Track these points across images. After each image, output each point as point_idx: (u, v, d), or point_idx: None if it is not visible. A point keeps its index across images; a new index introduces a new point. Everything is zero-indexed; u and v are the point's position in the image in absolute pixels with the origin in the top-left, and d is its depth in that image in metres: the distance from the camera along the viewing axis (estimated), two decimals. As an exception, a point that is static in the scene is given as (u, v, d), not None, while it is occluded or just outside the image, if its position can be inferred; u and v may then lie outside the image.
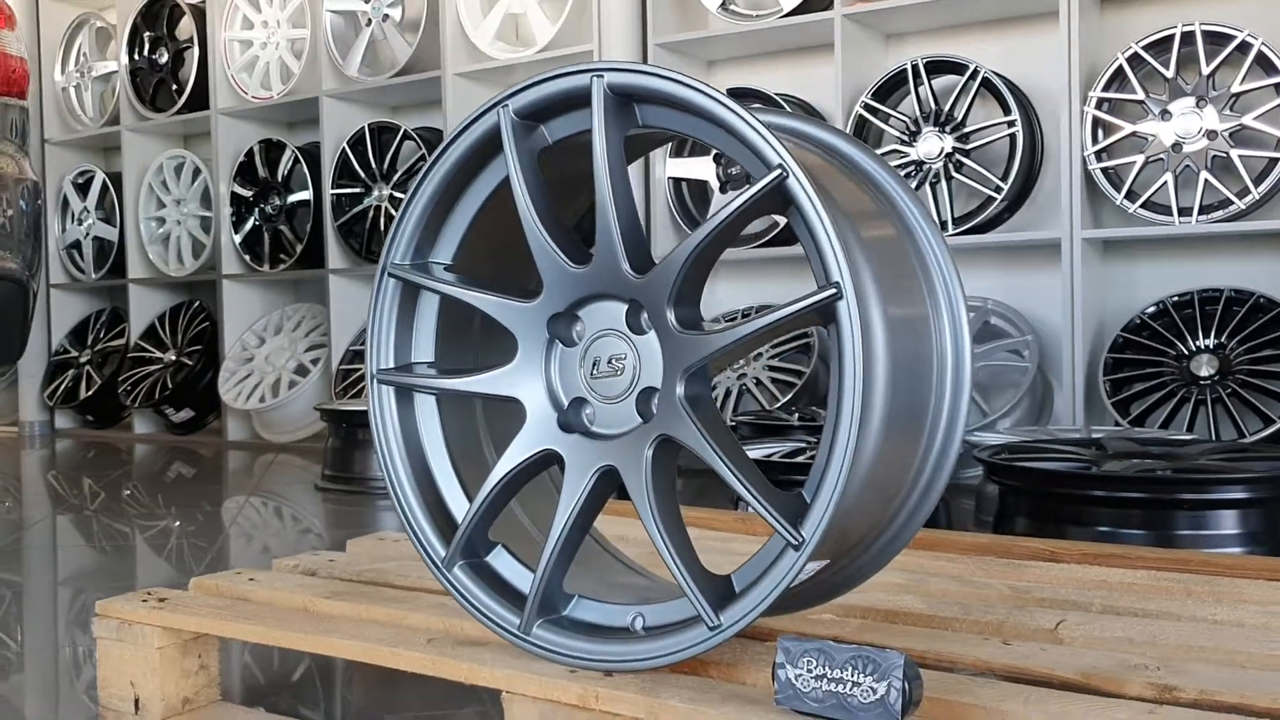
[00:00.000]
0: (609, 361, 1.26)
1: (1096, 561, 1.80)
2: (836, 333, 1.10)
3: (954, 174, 3.85)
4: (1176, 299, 3.63)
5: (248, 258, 5.54)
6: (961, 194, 3.89)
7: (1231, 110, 3.47)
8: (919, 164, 3.89)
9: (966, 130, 3.85)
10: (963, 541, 1.95)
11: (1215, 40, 3.46)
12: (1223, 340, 3.50)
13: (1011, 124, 3.74)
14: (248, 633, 1.47)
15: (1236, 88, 3.44)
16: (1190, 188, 3.51)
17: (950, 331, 1.30)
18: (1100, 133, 3.63)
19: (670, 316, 1.20)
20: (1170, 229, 3.52)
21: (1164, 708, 1.11)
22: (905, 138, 3.93)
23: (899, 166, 3.92)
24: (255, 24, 5.49)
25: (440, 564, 1.34)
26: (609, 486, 1.26)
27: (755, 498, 1.13)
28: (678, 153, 4.32)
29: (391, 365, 1.40)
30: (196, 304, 5.86)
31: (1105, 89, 3.61)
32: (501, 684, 1.24)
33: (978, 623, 1.44)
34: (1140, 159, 3.57)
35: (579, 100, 1.26)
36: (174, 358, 5.76)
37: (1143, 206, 3.56)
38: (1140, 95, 3.57)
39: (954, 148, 3.85)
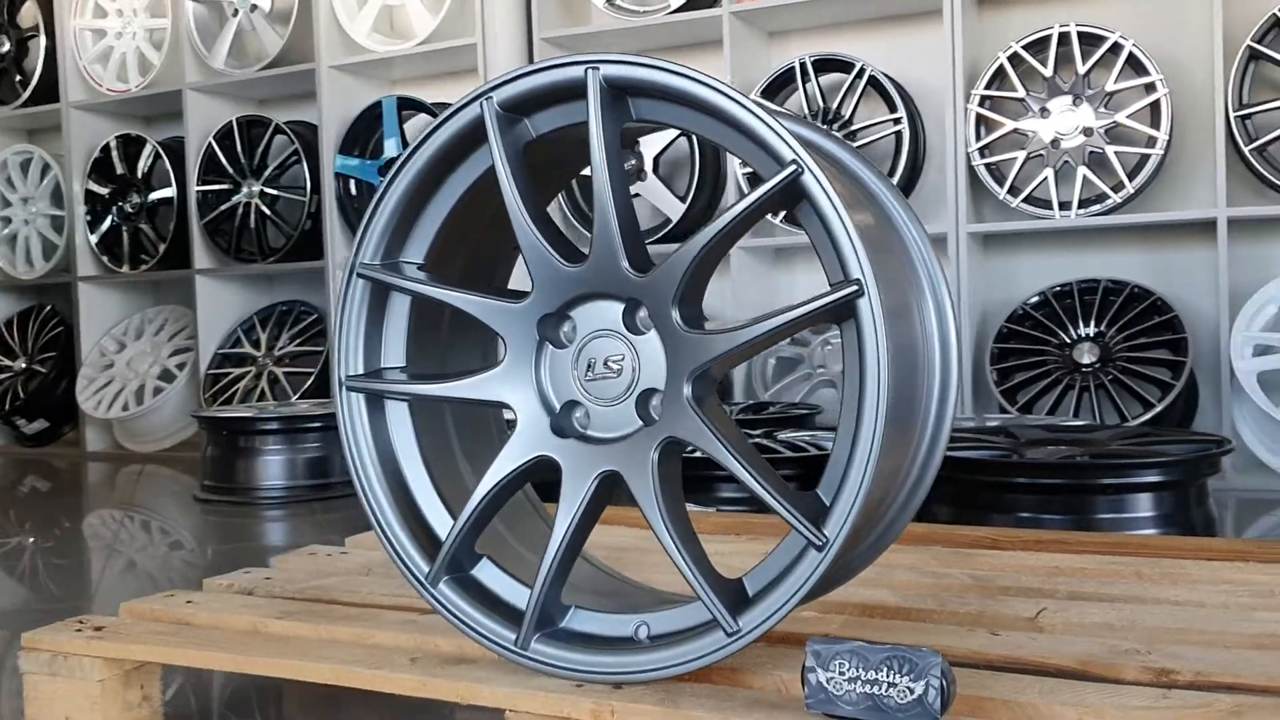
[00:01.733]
0: (606, 363, 1.22)
1: (1039, 548, 1.84)
2: (856, 329, 1.09)
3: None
4: (1057, 289, 3.76)
5: (105, 259, 5.25)
6: (850, 189, 3.95)
7: (1106, 108, 3.62)
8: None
9: (854, 128, 3.91)
10: (905, 532, 1.97)
11: (1090, 41, 3.60)
12: (1102, 329, 3.65)
13: (897, 121, 3.82)
14: (207, 660, 1.38)
15: (1110, 87, 3.59)
16: (1069, 182, 3.64)
17: (937, 326, 1.30)
18: (983, 130, 3.74)
19: (675, 316, 1.17)
20: (1051, 222, 3.65)
21: (1174, 691, 1.13)
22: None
23: (789, 162, 3.97)
24: (109, 12, 5.21)
25: (424, 581, 1.27)
26: (608, 492, 1.22)
27: (776, 498, 1.11)
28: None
29: (361, 371, 1.33)
30: (48, 308, 5.53)
31: (988, 87, 3.72)
32: (503, 703, 1.19)
33: (956, 614, 1.45)
34: (1021, 155, 3.69)
35: (567, 93, 1.21)
36: (24, 365, 5.42)
37: (1024, 201, 3.68)
38: (1021, 93, 3.69)
39: (847, 144, 3.91)
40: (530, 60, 4.32)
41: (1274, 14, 3.40)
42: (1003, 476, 2.29)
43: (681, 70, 1.14)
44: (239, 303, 5.12)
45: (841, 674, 1.05)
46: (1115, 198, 3.57)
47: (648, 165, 4.18)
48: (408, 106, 4.54)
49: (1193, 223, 3.63)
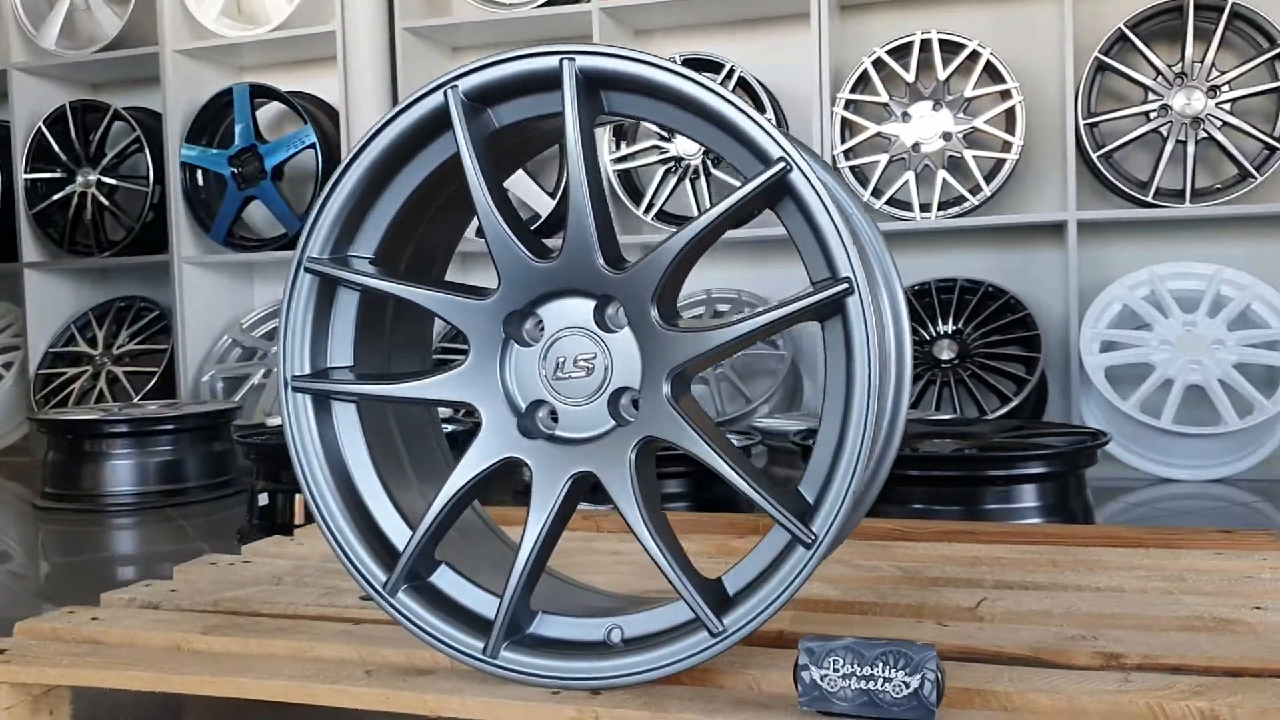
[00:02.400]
0: (575, 362, 1.19)
1: (949, 538, 1.89)
2: (843, 327, 1.09)
3: (712, 170, 3.95)
4: (916, 288, 3.89)
5: (-82, 251, 4.87)
6: (722, 191, 3.99)
7: (965, 114, 3.76)
8: (678, 160, 3.97)
9: (723, 126, 3.95)
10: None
11: (950, 48, 3.74)
12: (960, 326, 3.79)
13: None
14: (134, 681, 1.29)
15: (969, 93, 3.73)
16: (929, 185, 3.77)
17: (893, 320, 1.32)
18: (848, 133, 3.83)
19: (654, 314, 1.15)
20: (913, 224, 3.77)
21: (1135, 675, 1.17)
22: (665, 135, 3.98)
23: (659, 163, 3.98)
24: (-79, -16, 4.83)
25: (382, 590, 1.22)
26: (579, 493, 1.19)
27: (762, 495, 1.10)
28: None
29: (307, 371, 1.26)
30: None
31: (852, 91, 3.82)
32: (477, 713, 1.14)
33: (898, 606, 1.47)
34: (884, 158, 3.80)
35: (536, 84, 1.18)
36: None
37: (887, 203, 3.80)
38: (884, 98, 3.80)
39: (712, 143, 3.94)
40: (392, 51, 4.21)
41: (1120, 28, 3.60)
42: (897, 469, 2.34)
43: (664, 64, 1.12)
44: (72, 298, 4.83)
45: (836, 671, 1.05)
46: (972, 200, 3.71)
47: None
48: (260, 94, 4.36)
49: (1044, 225, 3.81)
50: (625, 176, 4.05)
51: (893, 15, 4.01)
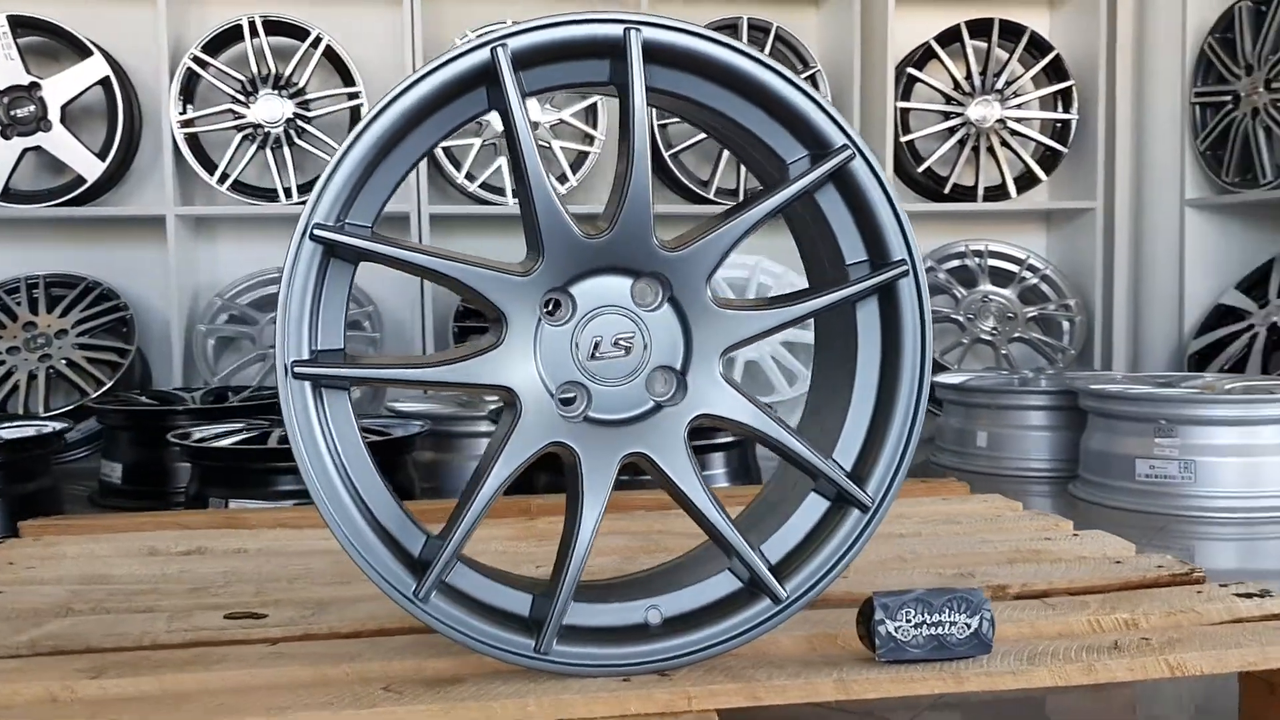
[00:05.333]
0: (614, 341, 1.16)
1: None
2: (894, 305, 1.18)
3: (296, 140, 3.73)
4: (502, 272, 3.98)
5: None
6: (306, 162, 3.78)
7: (552, 105, 3.91)
8: (257, 126, 3.69)
9: (308, 98, 3.75)
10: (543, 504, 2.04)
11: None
12: (549, 309, 3.95)
13: (355, 96, 3.74)
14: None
15: (555, 85, 3.89)
16: (518, 171, 3.87)
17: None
18: (440, 113, 3.81)
19: (708, 294, 1.16)
20: (504, 209, 3.85)
21: (1042, 600, 1.39)
22: (241, 98, 3.69)
23: (237, 128, 3.68)
24: None
25: (413, 597, 1.10)
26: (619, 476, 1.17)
27: (824, 462, 1.16)
28: None
29: (306, 355, 1.10)
30: None
31: (444, 72, 3.80)
32: (560, 712, 1.08)
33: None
34: (477, 142, 3.84)
35: (582, 50, 1.13)
36: None
37: (480, 186, 3.84)
38: (476, 81, 3.83)
39: (295, 114, 3.72)
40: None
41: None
42: (705, 438, 2.46)
43: (726, 41, 1.13)
44: None
45: (908, 621, 1.15)
46: (560, 189, 3.88)
47: (53, 114, 3.59)
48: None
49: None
50: (193, 141, 3.68)
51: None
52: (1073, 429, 3.33)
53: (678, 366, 1.17)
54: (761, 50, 3.95)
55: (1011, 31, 4.20)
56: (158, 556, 1.73)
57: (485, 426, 3.04)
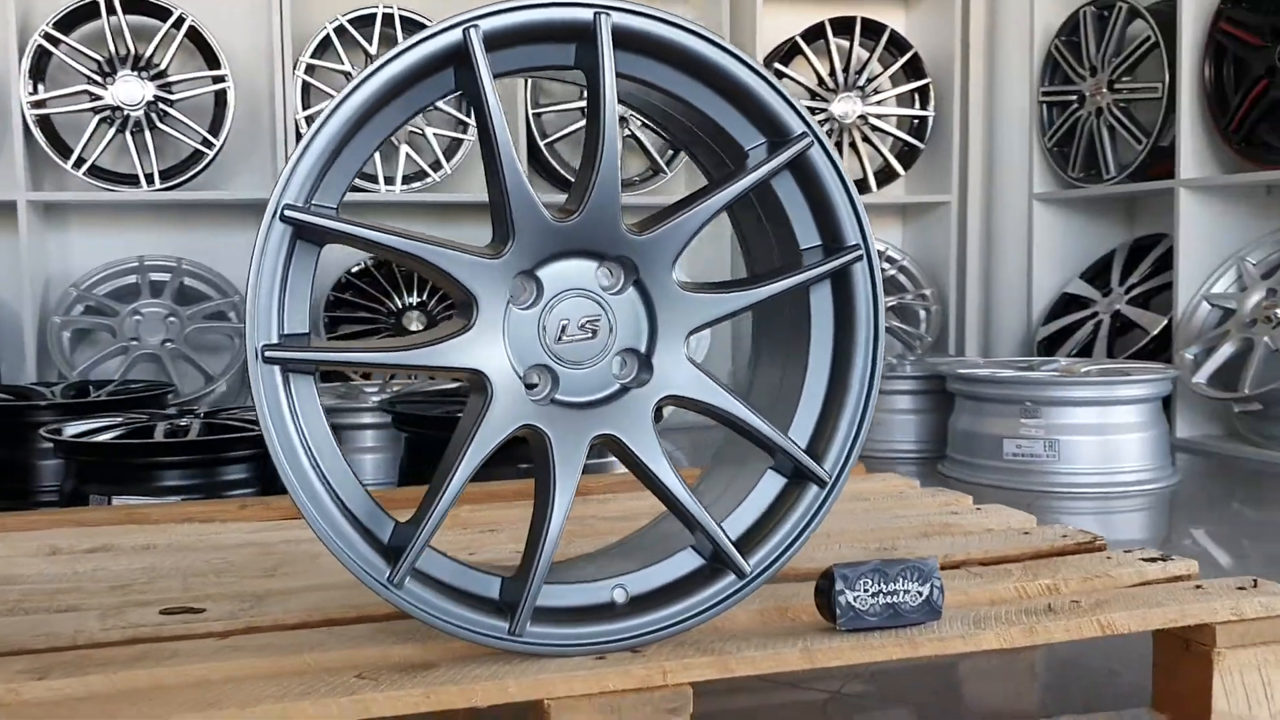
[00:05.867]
0: (581, 324, 1.17)
1: (609, 491, 2.06)
2: (847, 288, 1.23)
3: (157, 124, 3.58)
4: (374, 260, 3.91)
5: None
6: (166, 146, 3.63)
7: (425, 91, 3.86)
8: (116, 109, 3.53)
9: (170, 80, 3.60)
10: (507, 490, 2.04)
11: (412, 26, 3.80)
12: (424, 298, 3.90)
13: (220, 79, 3.61)
14: (52, 746, 0.99)
15: (429, 72, 3.84)
16: (393, 160, 3.81)
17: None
18: (310, 97, 3.72)
19: (674, 277, 1.18)
20: (379, 195, 3.78)
21: (968, 570, 1.46)
22: (98, 78, 3.52)
23: (93, 110, 3.51)
24: None
25: (389, 583, 1.09)
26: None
27: (786, 440, 1.20)
28: None
29: (275, 339, 1.07)
30: None
31: (314, 56, 3.71)
32: (539, 692, 1.09)
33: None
34: (348, 127, 3.76)
35: (549, 33, 1.14)
36: None
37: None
38: (346, 66, 3.75)
39: (156, 96, 3.57)
40: None
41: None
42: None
43: (694, 28, 1.15)
44: None
45: (866, 591, 1.19)
46: (434, 176, 3.84)
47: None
48: None
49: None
50: (44, 123, 3.50)
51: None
52: (938, 411, 3.48)
53: (642, 349, 1.18)
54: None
55: (873, 30, 4.35)
56: (62, 555, 1.65)
57: (369, 419, 3.00)
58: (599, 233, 1.15)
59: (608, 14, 1.12)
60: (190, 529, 1.80)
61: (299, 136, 3.62)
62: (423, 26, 3.73)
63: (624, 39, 1.14)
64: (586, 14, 1.12)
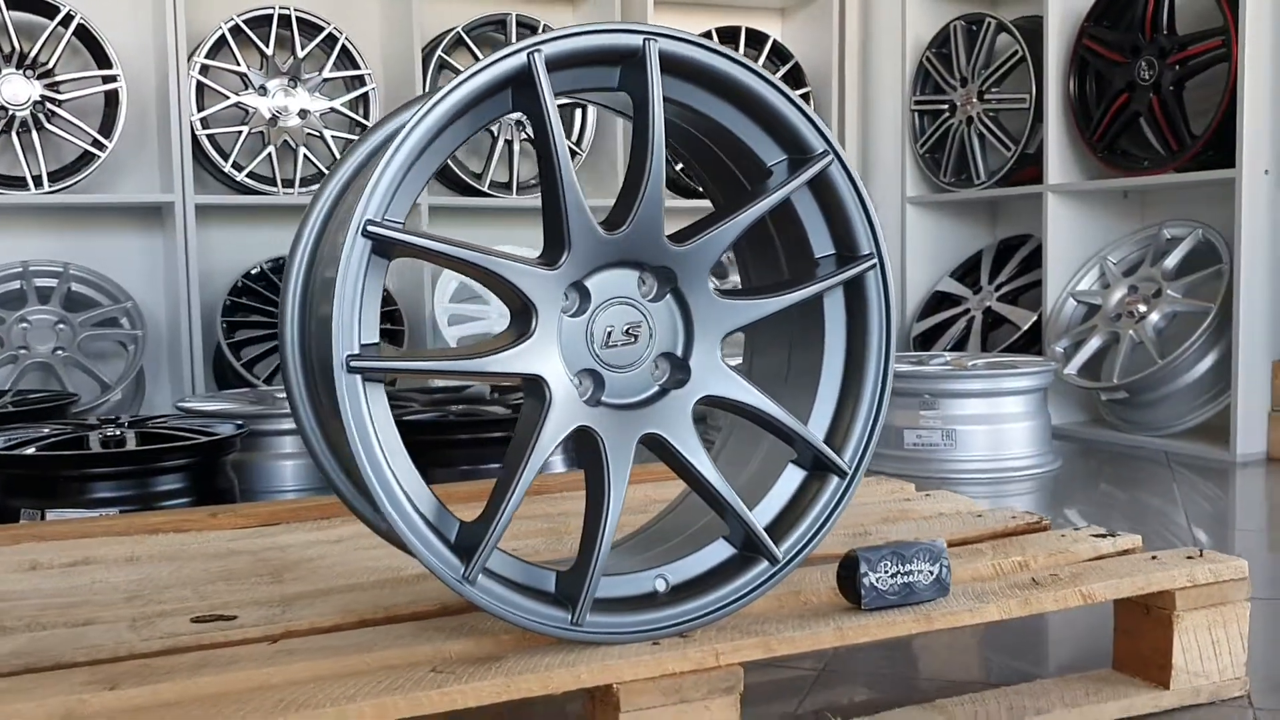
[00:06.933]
0: (625, 330, 1.24)
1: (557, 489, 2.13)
2: (859, 294, 1.33)
3: (45, 125, 3.46)
4: (271, 264, 3.85)
5: None
6: (52, 147, 3.51)
7: (322, 94, 3.82)
8: (1, 109, 3.39)
9: (58, 79, 3.48)
10: (466, 490, 2.09)
11: (308, 28, 3.76)
12: (324, 302, 3.85)
13: (112, 79, 3.51)
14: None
15: (326, 74, 3.80)
16: (289, 161, 3.77)
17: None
18: (204, 98, 3.65)
19: (710, 285, 1.26)
20: (275, 198, 3.73)
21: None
22: (-20, 76, 3.38)
23: (-25, 109, 3.37)
24: None
25: (462, 579, 1.14)
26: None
27: (810, 434, 1.30)
28: None
29: (357, 349, 1.11)
30: None
31: (209, 56, 3.64)
32: (609, 677, 1.16)
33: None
34: (244, 130, 3.70)
35: (599, 58, 1.21)
36: None
37: (248, 176, 3.71)
38: (242, 67, 3.69)
39: (44, 95, 3.45)
40: None
41: (458, 30, 3.97)
42: (450, 434, 2.49)
43: (727, 52, 1.24)
44: None
45: (885, 572, 1.30)
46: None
47: None
48: None
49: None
50: (-79, 124, 3.34)
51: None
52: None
53: (679, 353, 1.26)
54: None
55: (756, 40, 4.51)
56: (45, 570, 1.63)
57: (288, 424, 2.98)
58: (643, 244, 1.22)
59: (655, 40, 1.20)
60: (166, 539, 1.79)
61: (195, 139, 3.55)
62: (319, 28, 3.71)
63: (664, 62, 1.22)
64: (636, 40, 1.19)
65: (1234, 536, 2.54)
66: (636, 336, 1.24)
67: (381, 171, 1.10)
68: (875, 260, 1.32)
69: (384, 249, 1.13)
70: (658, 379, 1.26)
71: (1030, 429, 3.28)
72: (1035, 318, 4.03)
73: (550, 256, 1.20)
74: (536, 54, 1.15)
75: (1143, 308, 3.62)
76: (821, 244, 1.34)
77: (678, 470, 1.27)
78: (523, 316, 1.19)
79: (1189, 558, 1.50)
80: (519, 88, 1.17)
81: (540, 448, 1.18)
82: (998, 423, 3.25)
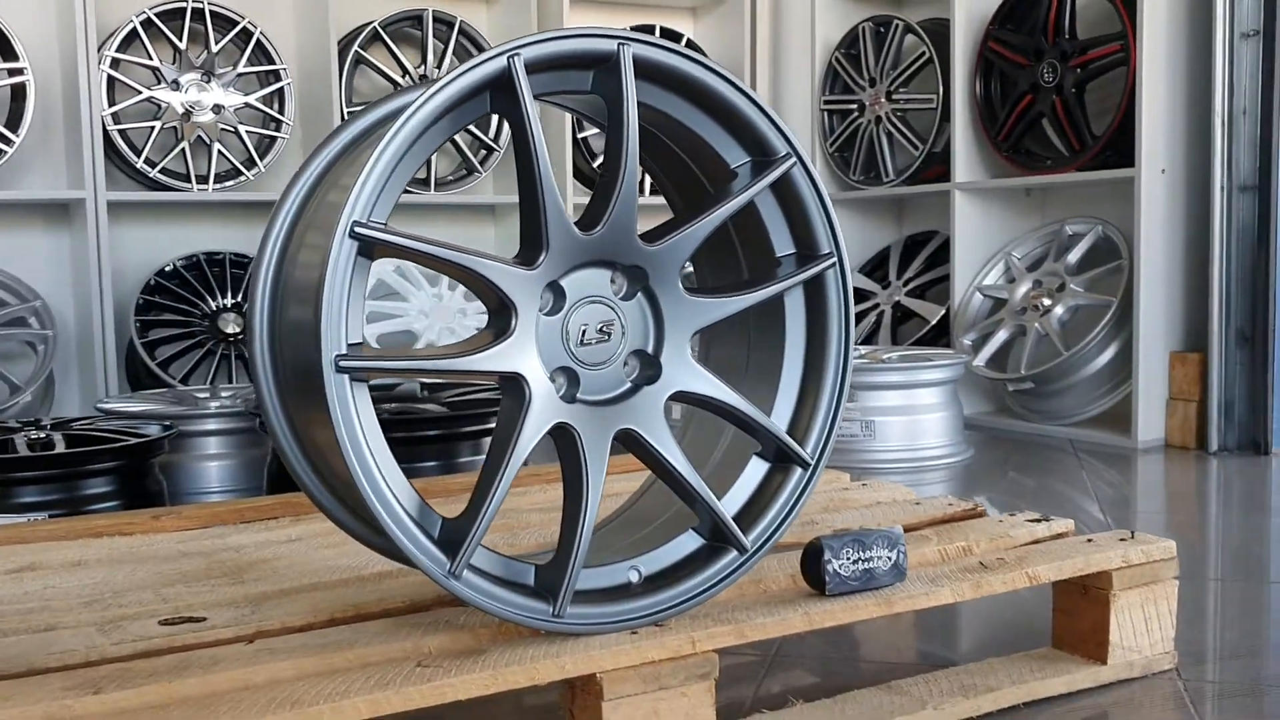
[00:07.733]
0: (599, 329, 1.27)
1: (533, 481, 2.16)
2: (819, 292, 1.38)
3: (-53, 118, 3.34)
4: (185, 262, 3.78)
5: None
6: (-46, 142, 3.39)
7: (236, 89, 3.76)
8: (-102, 101, 3.27)
9: (-41, 70, 3.37)
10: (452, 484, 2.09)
11: (222, 22, 3.69)
12: (240, 300, 3.80)
13: (19, 72, 3.40)
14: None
15: (241, 69, 3.74)
16: (203, 157, 3.70)
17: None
18: (115, 92, 3.56)
19: (680, 284, 1.30)
20: (188, 195, 3.66)
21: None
22: (-125, 67, 3.25)
23: None
24: None
25: (448, 574, 1.16)
26: (607, 450, 1.28)
27: (775, 426, 1.34)
28: None
29: (344, 349, 1.12)
30: None
31: (119, 50, 3.55)
32: (593, 666, 1.19)
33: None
34: (156, 125, 3.62)
35: (574, 62, 1.23)
36: None
37: (160, 172, 3.63)
38: (155, 62, 3.61)
39: (-56, 88, 3.33)
40: None
41: (374, 25, 3.94)
42: (414, 430, 2.49)
43: (697, 57, 1.28)
44: None
45: (848, 559, 1.36)
46: (248, 175, 3.75)
47: None
48: None
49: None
50: None
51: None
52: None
53: (650, 350, 1.30)
54: (446, 43, 4.04)
55: (671, 39, 4.55)
56: (-11, 576, 1.59)
57: (213, 424, 2.93)
58: (617, 244, 1.26)
59: (629, 45, 1.23)
60: (112, 543, 1.76)
61: (106, 134, 3.46)
62: (233, 22, 3.65)
63: (637, 66, 1.25)
64: (610, 45, 1.22)
65: (1136, 519, 2.67)
66: (609, 334, 1.28)
67: (367, 174, 1.11)
68: (835, 259, 1.37)
69: (367, 249, 1.14)
70: (630, 375, 1.30)
71: (944, 419, 3.40)
72: (943, 311, 4.16)
73: (528, 256, 1.22)
74: (516, 58, 1.17)
75: (1047, 301, 3.76)
76: (783, 243, 1.38)
77: (651, 465, 1.30)
78: (501, 315, 1.21)
79: (1121, 540, 1.59)
80: (498, 90, 1.19)
81: (522, 444, 1.20)
82: (914, 414, 3.35)
